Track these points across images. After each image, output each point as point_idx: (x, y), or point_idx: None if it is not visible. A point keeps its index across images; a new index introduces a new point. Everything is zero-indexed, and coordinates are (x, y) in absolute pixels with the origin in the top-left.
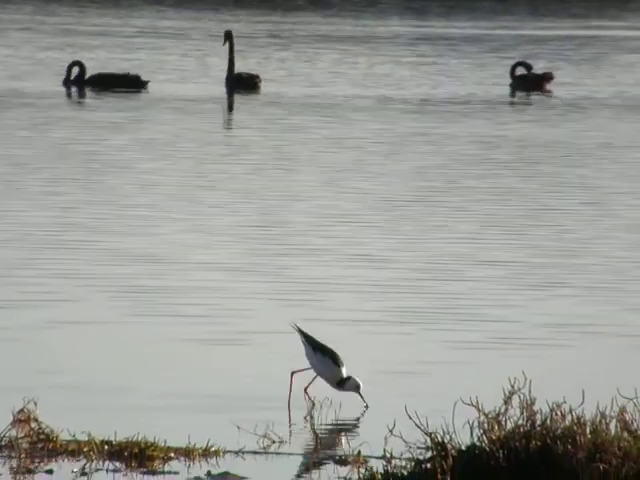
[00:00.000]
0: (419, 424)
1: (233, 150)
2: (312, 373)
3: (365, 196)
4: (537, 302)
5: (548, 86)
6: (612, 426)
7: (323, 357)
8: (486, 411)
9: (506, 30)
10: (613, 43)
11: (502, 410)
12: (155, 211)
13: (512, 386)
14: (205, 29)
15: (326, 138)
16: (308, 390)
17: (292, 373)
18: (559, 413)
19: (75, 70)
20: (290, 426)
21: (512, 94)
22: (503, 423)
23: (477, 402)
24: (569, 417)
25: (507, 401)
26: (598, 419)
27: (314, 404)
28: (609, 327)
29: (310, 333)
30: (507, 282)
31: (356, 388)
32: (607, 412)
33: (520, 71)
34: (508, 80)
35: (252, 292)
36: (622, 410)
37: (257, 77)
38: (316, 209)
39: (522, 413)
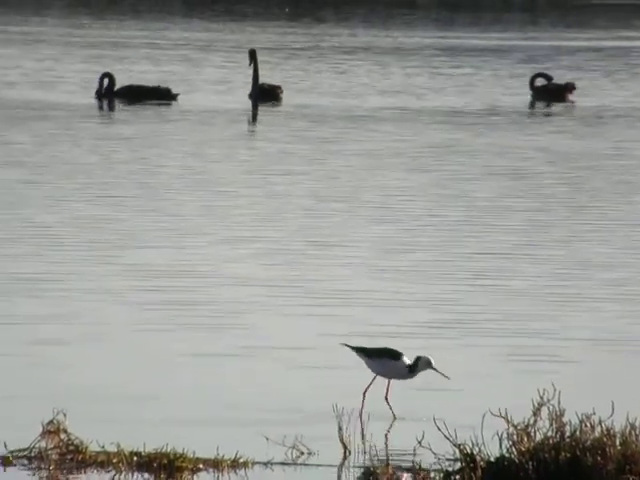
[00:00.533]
0: (448, 435)
1: (258, 161)
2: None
3: (399, 213)
4: (568, 315)
5: (570, 96)
6: None
7: (380, 359)
8: (515, 423)
9: (530, 41)
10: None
11: (531, 422)
12: (183, 223)
13: (541, 397)
14: (231, 40)
15: (357, 151)
16: (388, 397)
17: (364, 393)
18: (588, 425)
19: (105, 82)
20: (362, 438)
21: (532, 105)
22: (532, 435)
23: (506, 414)
24: (598, 429)
25: (536, 412)
26: (628, 430)
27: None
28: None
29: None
30: (540, 295)
31: (427, 365)
32: (637, 423)
33: (540, 82)
34: (527, 91)
35: (281, 305)
36: None
37: (279, 88)
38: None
39: (551, 425)
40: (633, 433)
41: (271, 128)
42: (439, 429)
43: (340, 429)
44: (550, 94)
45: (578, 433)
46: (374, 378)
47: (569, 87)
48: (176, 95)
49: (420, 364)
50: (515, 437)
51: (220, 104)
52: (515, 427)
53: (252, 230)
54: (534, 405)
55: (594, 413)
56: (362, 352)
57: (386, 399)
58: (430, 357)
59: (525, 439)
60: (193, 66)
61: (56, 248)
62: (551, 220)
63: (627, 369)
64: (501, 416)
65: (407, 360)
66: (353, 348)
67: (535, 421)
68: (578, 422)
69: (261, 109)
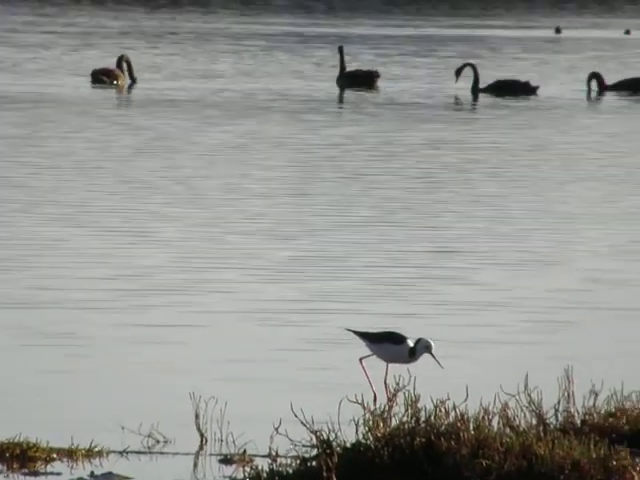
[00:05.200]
0: (304, 422)
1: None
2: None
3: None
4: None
5: (378, 83)
6: (495, 422)
7: (382, 344)
8: (372, 408)
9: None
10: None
11: (386, 407)
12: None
13: (397, 384)
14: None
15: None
16: (387, 382)
17: (360, 359)
18: (443, 410)
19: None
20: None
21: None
22: (388, 420)
23: (362, 400)
24: (453, 414)
25: (392, 398)
26: (481, 415)
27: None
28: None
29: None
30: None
31: (427, 349)
32: (490, 408)
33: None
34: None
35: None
36: (504, 406)
37: (376, 73)
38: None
39: (407, 410)
40: (486, 418)
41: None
42: (296, 415)
43: (197, 417)
44: (358, 81)
45: (433, 418)
46: (387, 365)
47: (375, 74)
48: (536, 88)
49: (419, 347)
50: (371, 423)
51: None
52: (371, 413)
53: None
54: (391, 391)
55: (449, 398)
56: (365, 337)
57: (385, 383)
58: (431, 341)
59: (381, 425)
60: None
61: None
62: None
63: (480, 356)
64: (357, 402)
65: (409, 343)
66: (357, 333)
67: (391, 407)
68: (433, 407)
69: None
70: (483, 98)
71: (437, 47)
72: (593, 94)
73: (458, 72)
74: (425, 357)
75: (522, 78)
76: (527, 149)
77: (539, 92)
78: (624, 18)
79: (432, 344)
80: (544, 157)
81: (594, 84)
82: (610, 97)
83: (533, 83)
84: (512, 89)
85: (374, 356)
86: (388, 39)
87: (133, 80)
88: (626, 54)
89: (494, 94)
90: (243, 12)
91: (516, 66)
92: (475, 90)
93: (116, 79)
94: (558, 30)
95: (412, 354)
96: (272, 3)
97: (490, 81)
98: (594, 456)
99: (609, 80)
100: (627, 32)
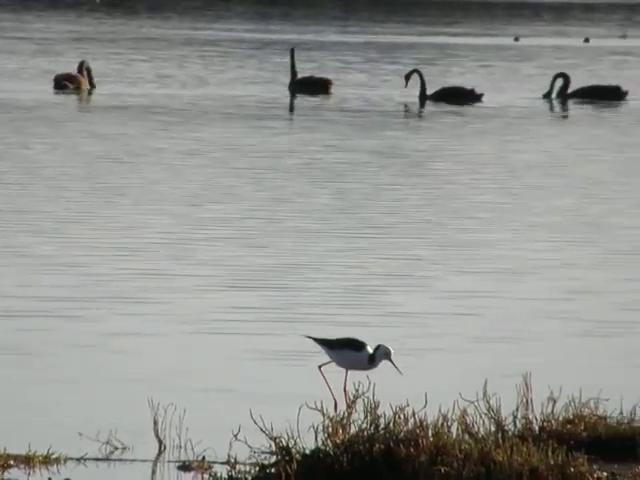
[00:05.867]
0: (263, 429)
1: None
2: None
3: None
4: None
5: (332, 89)
6: (454, 429)
7: (341, 351)
8: (331, 415)
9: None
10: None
11: (346, 414)
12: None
13: (356, 390)
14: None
15: None
16: (347, 389)
17: (319, 367)
18: (402, 416)
19: (559, 83)
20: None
21: (292, 97)
22: (347, 427)
23: (322, 406)
24: (412, 420)
25: (351, 405)
26: (440, 422)
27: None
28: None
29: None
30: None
31: (386, 355)
32: (449, 415)
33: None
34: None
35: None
36: (463, 413)
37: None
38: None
39: (366, 417)
40: (445, 425)
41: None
42: (255, 422)
43: (155, 423)
44: (312, 87)
45: (392, 425)
46: (346, 372)
47: (328, 81)
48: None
49: (378, 354)
50: (330, 429)
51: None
52: (330, 419)
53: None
54: (350, 397)
55: (408, 405)
56: (324, 344)
57: (344, 390)
58: (390, 347)
59: (340, 431)
60: None
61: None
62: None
63: (440, 364)
64: (317, 409)
65: (369, 349)
66: (316, 340)
67: (350, 413)
68: (392, 414)
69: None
70: (429, 105)
71: (394, 54)
72: (554, 95)
73: (407, 77)
74: (384, 364)
75: (468, 85)
76: (469, 157)
77: (484, 99)
78: (580, 27)
79: (391, 350)
80: (490, 166)
81: (559, 82)
82: (560, 105)
83: (479, 90)
84: (457, 96)
85: (333, 363)
86: (344, 46)
87: (92, 86)
88: (585, 62)
89: (440, 101)
90: (200, 18)
91: (473, 74)
92: (422, 97)
93: (79, 85)
94: (517, 38)
95: (371, 360)
96: (230, 10)
97: (437, 88)
98: (552, 463)
99: (570, 88)
100: (586, 40)
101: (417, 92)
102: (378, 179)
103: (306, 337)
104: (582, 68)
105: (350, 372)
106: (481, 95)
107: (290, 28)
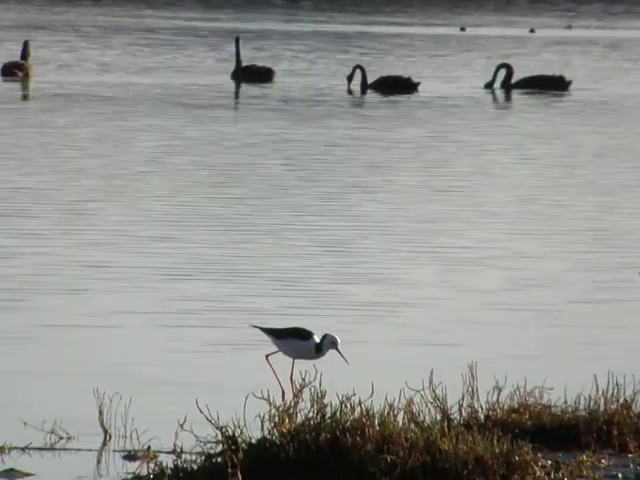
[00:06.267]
0: (209, 418)
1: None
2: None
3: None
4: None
5: (274, 78)
6: (400, 418)
7: (287, 339)
8: (277, 404)
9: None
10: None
11: (292, 403)
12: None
13: (303, 379)
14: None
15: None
16: (293, 378)
17: (267, 356)
18: (349, 406)
19: (502, 73)
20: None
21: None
22: (293, 416)
23: (268, 395)
24: (358, 409)
25: (297, 394)
26: (386, 411)
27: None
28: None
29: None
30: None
31: (332, 344)
32: (395, 404)
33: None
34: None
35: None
36: (409, 402)
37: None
38: None
39: (312, 406)
40: (391, 414)
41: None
42: (201, 411)
43: (100, 413)
44: (255, 75)
45: (338, 414)
46: (293, 361)
47: (271, 70)
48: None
49: (325, 343)
50: (277, 419)
51: None
52: (277, 409)
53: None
54: (296, 387)
55: (354, 394)
56: (271, 333)
57: (291, 379)
58: (337, 337)
59: (286, 420)
60: None
61: None
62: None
63: (389, 349)
64: (263, 398)
65: (316, 339)
66: (263, 329)
67: (296, 402)
68: (338, 403)
69: None
70: (370, 94)
71: (338, 44)
72: (497, 85)
73: (350, 77)
74: (332, 353)
75: (406, 74)
76: (405, 145)
77: (424, 88)
78: (526, 17)
79: (338, 340)
80: (426, 153)
81: (502, 73)
82: (503, 94)
83: (416, 79)
84: (395, 85)
85: (280, 353)
86: (290, 35)
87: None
88: (530, 52)
89: (378, 90)
90: (144, 6)
91: (418, 63)
92: (364, 86)
93: (27, 72)
94: (463, 28)
95: (318, 350)
96: None
97: (377, 77)
98: (497, 451)
99: (513, 78)
100: (532, 30)
101: (359, 81)
102: (314, 169)
103: (253, 327)
104: (528, 58)
105: (297, 361)
106: (417, 84)
107: (235, 16)
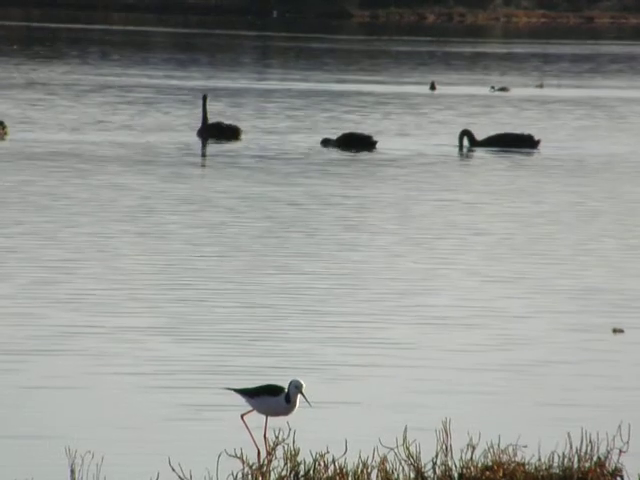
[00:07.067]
0: (182, 477)
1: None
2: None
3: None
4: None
5: (241, 136)
6: (374, 476)
7: (259, 397)
8: (250, 463)
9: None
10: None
11: (266, 461)
12: None
13: (277, 437)
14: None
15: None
16: (267, 436)
17: (242, 416)
18: (322, 463)
19: (465, 140)
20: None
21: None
22: (267, 474)
23: (242, 454)
24: (332, 467)
25: (271, 452)
26: (360, 469)
27: (276, 444)
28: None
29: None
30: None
31: (297, 389)
32: (369, 462)
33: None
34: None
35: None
36: (383, 460)
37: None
38: None
39: (286, 464)
40: (365, 472)
41: None
42: (173, 470)
43: (72, 472)
44: (222, 133)
45: (312, 472)
46: (266, 419)
47: (238, 129)
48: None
49: (291, 389)
50: (250, 477)
51: None
52: (250, 467)
53: None
54: (270, 445)
55: (328, 452)
56: (243, 393)
57: (264, 437)
58: (300, 380)
59: (260, 479)
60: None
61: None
62: None
63: (361, 411)
64: (236, 456)
65: (285, 391)
66: (236, 390)
67: (270, 461)
68: (312, 461)
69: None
70: (333, 152)
71: (308, 101)
72: (465, 150)
73: (325, 143)
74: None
75: (367, 131)
76: (374, 203)
77: (378, 146)
78: (498, 76)
79: (302, 383)
80: (391, 211)
81: (465, 141)
82: (470, 152)
83: (376, 137)
84: (355, 142)
85: (255, 412)
86: (260, 92)
87: None
88: (499, 111)
89: (340, 147)
90: (113, 64)
91: (386, 120)
92: (325, 143)
93: (4, 129)
94: (433, 87)
95: (287, 400)
96: (150, 55)
97: (339, 134)
98: None
99: (480, 135)
100: (503, 89)
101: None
102: (284, 225)
103: (226, 389)
104: (496, 116)
105: (271, 418)
106: (376, 142)
107: (203, 74)
